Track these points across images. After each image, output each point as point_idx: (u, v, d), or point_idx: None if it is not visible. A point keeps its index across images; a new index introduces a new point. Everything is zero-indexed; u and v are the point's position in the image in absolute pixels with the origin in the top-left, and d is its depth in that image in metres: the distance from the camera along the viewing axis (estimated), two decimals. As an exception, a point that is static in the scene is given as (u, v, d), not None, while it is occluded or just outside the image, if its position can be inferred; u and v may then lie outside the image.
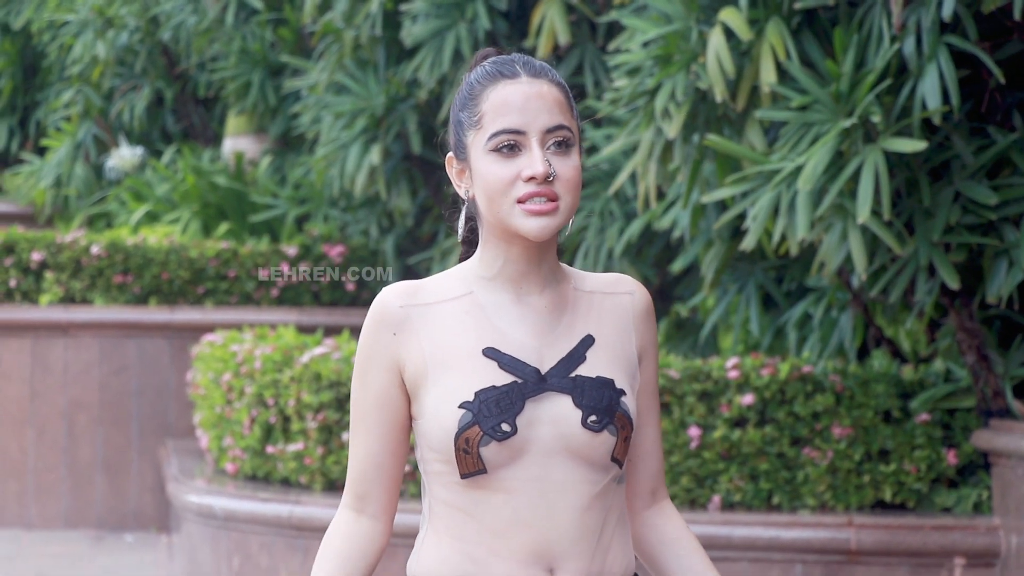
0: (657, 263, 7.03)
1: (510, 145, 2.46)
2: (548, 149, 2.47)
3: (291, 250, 8.89)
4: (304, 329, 8.25)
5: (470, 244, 2.62)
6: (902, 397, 5.56)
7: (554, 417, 2.47)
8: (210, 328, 8.31)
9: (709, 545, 5.36)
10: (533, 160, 2.45)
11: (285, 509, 6.03)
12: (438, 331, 2.50)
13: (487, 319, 2.51)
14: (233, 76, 9.87)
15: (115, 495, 8.45)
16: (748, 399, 5.50)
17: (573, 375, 2.48)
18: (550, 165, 2.45)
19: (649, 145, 5.39)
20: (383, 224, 8.66)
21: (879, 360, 5.83)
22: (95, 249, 8.66)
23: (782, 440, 5.51)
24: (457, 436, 2.44)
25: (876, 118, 4.68)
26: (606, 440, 2.47)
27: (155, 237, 8.98)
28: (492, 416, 2.43)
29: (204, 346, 7.36)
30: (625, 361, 2.55)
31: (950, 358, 5.63)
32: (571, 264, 6.99)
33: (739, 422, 5.57)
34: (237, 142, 10.23)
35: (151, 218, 9.59)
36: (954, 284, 4.91)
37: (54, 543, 8.17)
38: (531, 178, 2.45)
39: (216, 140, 11.00)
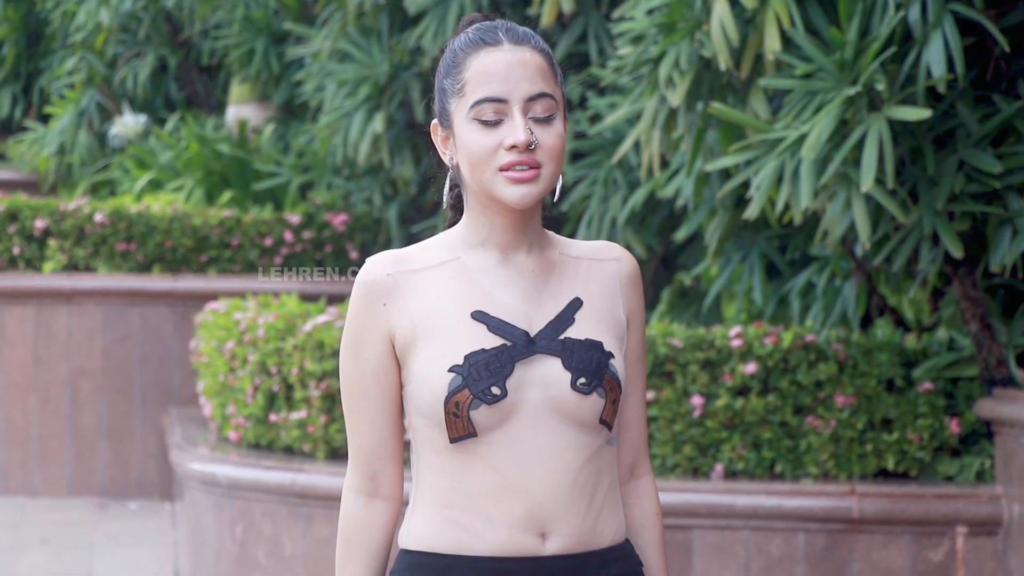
0: (660, 232, 7.02)
1: (492, 113, 2.45)
2: (530, 117, 2.46)
3: (294, 218, 8.88)
4: (307, 297, 8.25)
5: (456, 211, 2.61)
6: (905, 366, 5.55)
7: (544, 379, 2.46)
8: (213, 296, 8.31)
9: (712, 514, 5.37)
10: (515, 129, 2.44)
11: (288, 477, 6.04)
12: (426, 297, 2.49)
13: (474, 282, 2.50)
14: (236, 44, 9.84)
15: (119, 463, 8.47)
16: (751, 368, 5.49)
17: (562, 337, 2.48)
18: (532, 133, 2.44)
19: (653, 113, 5.37)
20: (386, 192, 8.65)
21: (882, 329, 5.83)
22: (98, 217, 8.65)
23: (785, 409, 5.51)
24: (447, 400, 2.43)
25: (880, 86, 4.66)
26: (595, 402, 2.47)
27: (158, 205, 8.98)
28: (482, 379, 2.43)
29: (207, 314, 7.36)
30: (613, 325, 2.54)
31: (953, 327, 5.63)
32: (575, 233, 6.98)
33: (742, 391, 5.57)
34: (240, 110, 10.21)
35: (154, 186, 9.58)
36: (958, 253, 4.90)
37: (58, 510, 8.19)
38: (513, 147, 2.44)
39: (219, 108, 10.98)
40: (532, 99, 2.46)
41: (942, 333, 5.63)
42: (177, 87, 11.07)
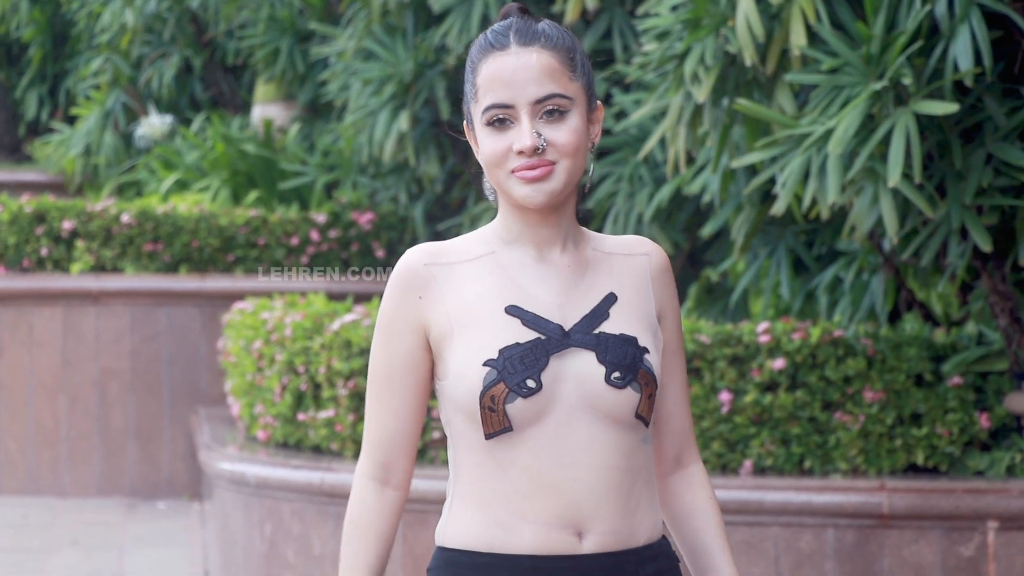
0: (687, 228, 7.01)
1: (500, 119, 2.47)
2: (540, 119, 2.47)
3: (320, 217, 8.89)
4: (334, 296, 8.26)
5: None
6: (934, 360, 5.53)
7: (578, 373, 2.46)
8: (240, 296, 8.33)
9: (741, 510, 5.36)
10: (521, 134, 2.46)
11: (316, 476, 6.05)
12: (461, 290, 2.50)
13: (509, 278, 2.51)
14: (261, 43, 9.86)
15: (147, 463, 8.50)
16: (779, 363, 5.48)
17: (596, 332, 2.48)
18: (539, 136, 2.45)
19: (678, 109, 5.36)
20: (412, 190, 8.65)
21: (911, 323, 5.81)
22: (125, 217, 8.68)
23: (813, 404, 5.50)
24: (482, 394, 2.44)
25: (907, 80, 4.64)
26: (630, 397, 2.47)
27: (185, 205, 9.00)
28: (517, 373, 2.43)
29: (235, 314, 7.37)
30: (646, 320, 2.55)
31: (982, 321, 5.60)
32: (600, 229, 6.98)
33: (770, 386, 5.55)
34: (266, 109, 10.22)
35: (181, 186, 9.60)
36: (986, 247, 4.88)
37: (87, 511, 8.22)
38: (520, 152, 2.46)
39: (245, 108, 11.00)
40: (539, 101, 2.47)
41: (971, 327, 5.61)
42: (202, 87, 11.09)
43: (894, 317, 6.13)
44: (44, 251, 8.68)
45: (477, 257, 2.53)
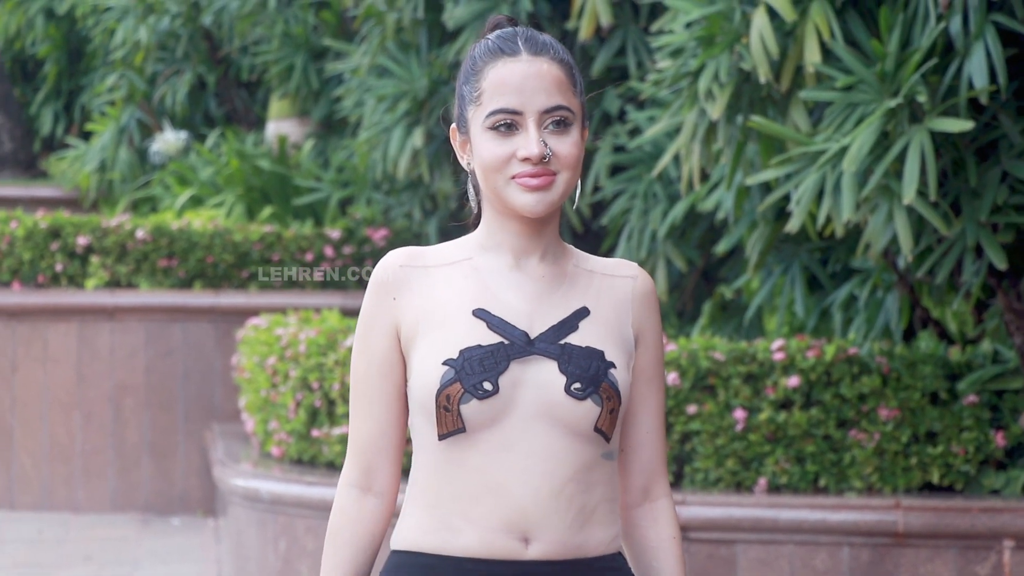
0: (701, 245, 7.01)
1: (507, 124, 2.47)
2: (546, 128, 2.47)
3: (334, 233, 8.90)
4: (348, 312, 8.26)
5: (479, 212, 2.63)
6: (949, 379, 5.52)
7: (538, 381, 2.45)
8: (255, 312, 8.34)
9: (756, 528, 5.35)
10: (528, 142, 2.46)
11: (331, 492, 6.05)
12: (434, 292, 2.50)
13: (482, 282, 2.51)
14: (276, 60, 9.88)
15: (162, 478, 8.50)
16: (794, 381, 5.47)
17: (562, 342, 2.47)
18: (546, 146, 2.46)
19: (692, 126, 5.36)
20: (426, 207, 8.66)
21: (926, 341, 5.79)
22: (140, 233, 8.69)
23: (828, 422, 5.49)
24: (439, 393, 2.43)
25: (922, 98, 4.64)
26: (590, 409, 2.44)
27: (199, 221, 9.01)
28: (475, 374, 2.42)
29: (249, 330, 7.38)
30: (620, 338, 2.52)
31: (998, 339, 5.59)
32: (615, 246, 6.97)
33: (785, 404, 5.54)
34: (280, 126, 10.24)
35: (195, 202, 9.62)
36: (1002, 265, 4.87)
37: (101, 526, 8.22)
38: (526, 159, 2.46)
39: (259, 124, 11.02)
40: (547, 111, 2.47)
41: (986, 346, 5.60)
42: (216, 103, 11.12)
43: (909, 335, 6.12)
44: (59, 267, 8.69)
45: (455, 262, 2.54)
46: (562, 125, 2.48)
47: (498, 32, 2.53)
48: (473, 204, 2.60)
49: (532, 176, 2.45)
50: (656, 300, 2.59)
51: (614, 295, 2.55)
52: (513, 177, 2.47)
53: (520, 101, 2.46)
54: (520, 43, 2.50)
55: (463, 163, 2.57)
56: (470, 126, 2.52)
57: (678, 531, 2.58)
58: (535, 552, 2.44)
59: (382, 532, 2.54)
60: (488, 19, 2.59)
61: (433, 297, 2.50)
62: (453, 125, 2.58)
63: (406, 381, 2.51)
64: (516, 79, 2.47)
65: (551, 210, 2.48)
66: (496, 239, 2.54)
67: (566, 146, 2.48)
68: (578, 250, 2.60)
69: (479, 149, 2.50)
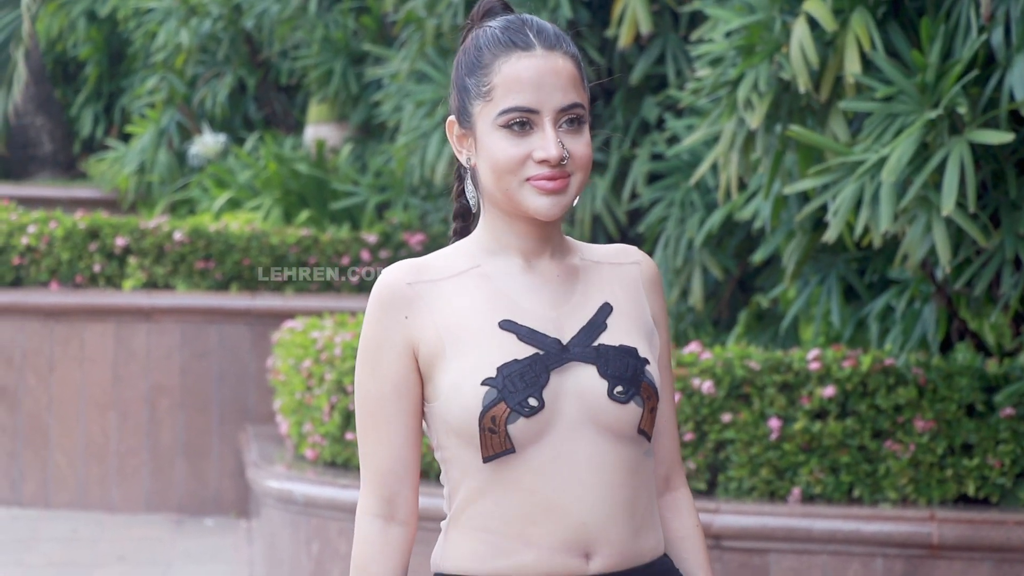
0: (738, 254, 7.00)
1: (521, 123, 2.36)
2: (560, 127, 2.37)
3: (371, 238, 8.92)
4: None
5: (463, 219, 2.52)
6: (986, 391, 5.50)
7: (579, 389, 2.36)
8: (290, 315, 8.37)
9: (789, 538, 5.34)
10: (546, 143, 2.35)
11: (364, 496, 6.05)
12: (449, 307, 2.38)
13: (497, 290, 2.40)
14: (315, 64, 9.92)
15: (196, 480, 8.53)
16: (829, 391, 5.46)
17: (596, 344, 2.38)
18: (563, 147, 2.36)
19: (731, 135, 5.36)
20: (463, 212, 8.67)
21: (963, 353, 5.77)
22: (178, 235, 8.73)
23: (863, 433, 5.47)
24: (482, 415, 2.32)
25: (962, 109, 4.63)
26: (633, 412, 2.37)
27: (237, 224, 9.05)
28: (518, 391, 2.32)
29: (284, 332, 7.40)
30: (644, 329, 2.45)
31: (1035, 352, 5.57)
32: (651, 254, 6.97)
33: (820, 414, 5.53)
34: (319, 130, 10.28)
35: (233, 205, 9.66)
36: (1040, 277, 4.86)
37: (135, 526, 8.26)
38: (543, 160, 2.35)
39: (298, 128, 11.06)
40: (563, 110, 2.37)
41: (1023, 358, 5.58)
42: (255, 107, 11.16)
43: (946, 347, 6.10)
44: (97, 267, 8.74)
45: (462, 272, 2.41)
46: (576, 123, 2.37)
47: (503, 22, 2.41)
48: (472, 202, 2.46)
49: (549, 179, 2.35)
50: (661, 283, 2.51)
51: (627, 284, 2.47)
52: (528, 179, 2.36)
53: (537, 99, 2.35)
54: (532, 36, 2.37)
55: (460, 158, 2.44)
56: (475, 121, 2.39)
57: (699, 519, 2.55)
58: (597, 566, 2.37)
59: (407, 562, 2.45)
60: (480, 2, 2.45)
61: (449, 312, 2.38)
62: (451, 117, 2.44)
63: (423, 403, 2.41)
64: (532, 76, 2.35)
65: (563, 212, 2.38)
66: (503, 242, 2.43)
67: (581, 146, 2.37)
68: (576, 241, 2.51)
69: (490, 148, 2.37)
